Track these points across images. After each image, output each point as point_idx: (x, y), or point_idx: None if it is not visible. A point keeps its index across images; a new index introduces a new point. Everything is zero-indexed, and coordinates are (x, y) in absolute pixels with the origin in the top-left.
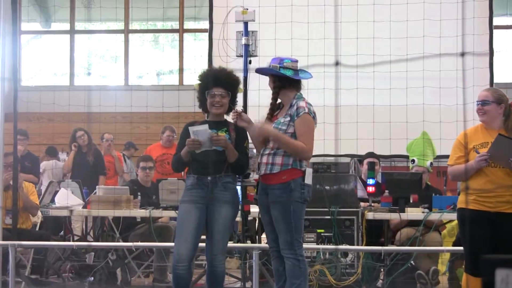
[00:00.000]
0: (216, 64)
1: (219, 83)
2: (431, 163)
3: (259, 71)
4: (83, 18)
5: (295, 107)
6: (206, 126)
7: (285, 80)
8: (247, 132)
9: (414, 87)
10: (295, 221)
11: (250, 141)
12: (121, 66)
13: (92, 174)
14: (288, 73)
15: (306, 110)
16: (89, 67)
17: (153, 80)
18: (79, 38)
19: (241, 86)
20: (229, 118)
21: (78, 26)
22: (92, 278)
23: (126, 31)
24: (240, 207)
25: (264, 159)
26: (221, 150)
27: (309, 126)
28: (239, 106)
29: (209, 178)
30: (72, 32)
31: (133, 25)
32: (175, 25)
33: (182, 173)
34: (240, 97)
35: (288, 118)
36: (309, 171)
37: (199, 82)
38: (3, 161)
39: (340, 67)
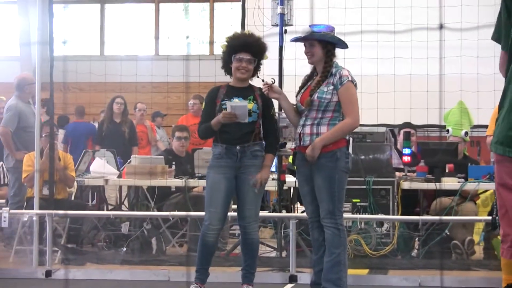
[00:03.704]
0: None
1: (248, 48)
2: (466, 133)
3: (320, 36)
4: None
5: (337, 76)
6: (245, 103)
7: (334, 49)
8: (279, 104)
9: (451, 56)
10: (338, 190)
11: (277, 110)
12: (151, 36)
13: (126, 144)
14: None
15: (350, 78)
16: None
17: (183, 50)
18: (110, 8)
19: (267, 53)
20: (252, 82)
21: None
22: (127, 247)
23: (157, 1)
24: (276, 177)
25: (307, 130)
26: (251, 122)
27: (354, 94)
28: (271, 76)
29: (237, 147)
30: (102, 1)
31: None
32: None
33: None
34: (275, 66)
35: (332, 87)
36: (351, 141)
37: (226, 43)
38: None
39: (378, 36)
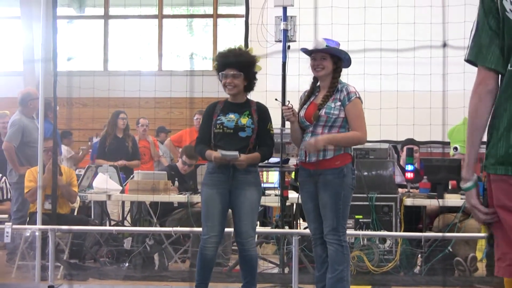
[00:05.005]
0: (254, 49)
1: (230, 64)
2: None
3: (336, 52)
4: (117, 3)
5: (344, 92)
6: (236, 154)
7: (341, 64)
8: (291, 125)
9: (454, 73)
10: (343, 207)
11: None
12: (155, 51)
13: (129, 159)
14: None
15: (357, 95)
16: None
17: (186, 65)
18: (113, 24)
19: (259, 64)
20: (250, 96)
21: (112, 11)
22: (129, 263)
23: (160, 16)
24: (280, 193)
25: None
26: (244, 137)
27: (361, 110)
28: (274, 92)
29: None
30: (106, 17)
31: (166, 10)
32: (208, 10)
33: None
34: (278, 82)
35: (339, 103)
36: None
37: (216, 64)
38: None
39: (381, 52)
